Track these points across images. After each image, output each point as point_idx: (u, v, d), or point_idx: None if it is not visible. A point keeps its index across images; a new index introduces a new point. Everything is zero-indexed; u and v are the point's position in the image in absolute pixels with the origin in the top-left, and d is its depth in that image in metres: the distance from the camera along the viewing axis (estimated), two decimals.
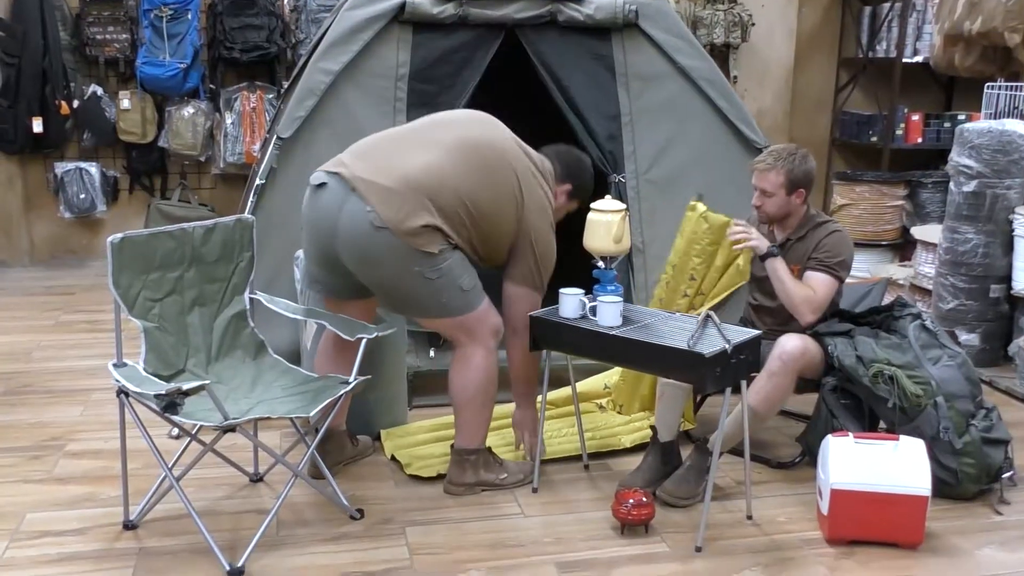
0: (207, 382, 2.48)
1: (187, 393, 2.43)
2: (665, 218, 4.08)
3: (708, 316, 2.88)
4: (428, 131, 3.04)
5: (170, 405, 2.44)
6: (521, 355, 3.14)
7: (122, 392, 2.71)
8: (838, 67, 7.16)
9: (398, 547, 2.81)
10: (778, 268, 3.15)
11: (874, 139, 6.65)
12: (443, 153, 2.91)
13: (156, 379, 2.66)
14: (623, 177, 4.15)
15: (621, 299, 2.99)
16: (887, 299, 3.75)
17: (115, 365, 2.75)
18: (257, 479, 3.23)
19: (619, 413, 3.73)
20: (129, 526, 2.89)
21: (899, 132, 6.53)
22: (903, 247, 5.94)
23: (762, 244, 3.16)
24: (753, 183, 3.25)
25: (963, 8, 4.75)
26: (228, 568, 2.63)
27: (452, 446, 3.15)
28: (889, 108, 6.53)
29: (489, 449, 3.18)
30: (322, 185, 2.91)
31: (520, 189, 2.98)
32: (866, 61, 6.84)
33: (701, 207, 3.43)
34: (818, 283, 3.14)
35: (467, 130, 3.04)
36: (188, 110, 6.28)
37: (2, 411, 3.84)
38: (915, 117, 6.56)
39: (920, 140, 6.57)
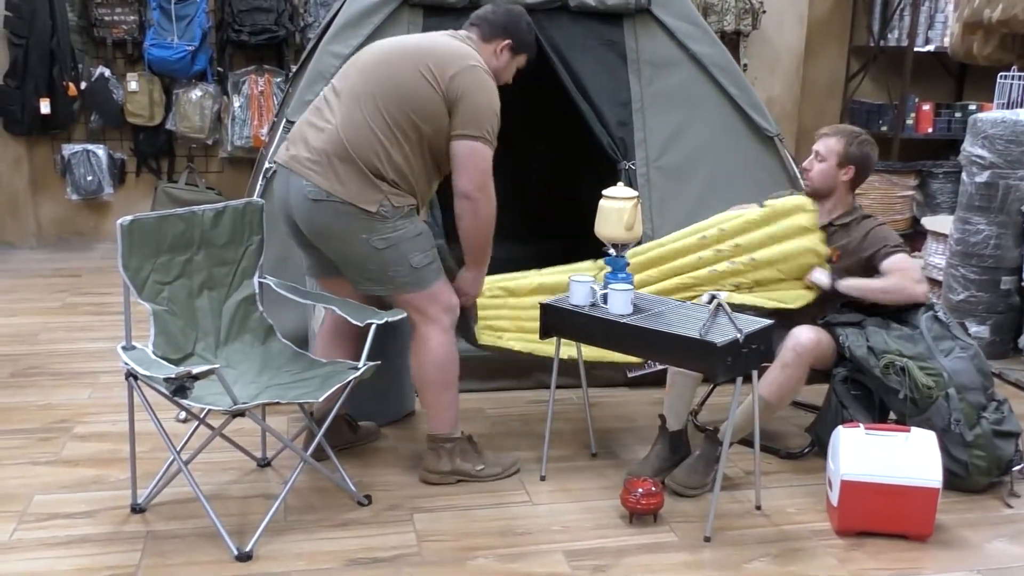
0: (217, 366, 2.47)
1: (197, 377, 2.42)
2: (675, 205, 4.06)
3: (719, 304, 2.86)
4: (339, 88, 2.94)
5: (180, 389, 2.43)
6: (472, 220, 2.90)
7: (131, 375, 2.70)
8: (849, 55, 7.11)
9: (406, 533, 2.80)
10: (851, 284, 3.15)
11: (884, 128, 6.61)
12: (349, 100, 2.85)
13: (165, 362, 2.65)
14: (633, 164, 4.12)
15: (632, 287, 2.97)
16: None
17: (124, 348, 2.74)
18: (265, 464, 3.22)
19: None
20: (137, 509, 2.89)
21: (909, 122, 6.49)
22: (913, 237, 5.91)
23: (823, 284, 3.17)
24: (813, 147, 3.30)
25: None
26: (236, 552, 2.63)
27: (427, 433, 3.11)
28: (900, 97, 6.49)
29: (469, 438, 3.13)
30: (273, 173, 3.03)
31: (431, 70, 2.81)
32: (877, 50, 6.80)
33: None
34: (899, 263, 3.17)
35: (364, 72, 2.90)
36: (196, 93, 6.26)
37: (10, 393, 3.84)
38: (926, 107, 6.53)
39: (931, 130, 6.54)
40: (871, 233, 3.22)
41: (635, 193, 2.99)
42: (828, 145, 3.24)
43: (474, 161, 2.83)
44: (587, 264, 3.61)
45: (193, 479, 2.68)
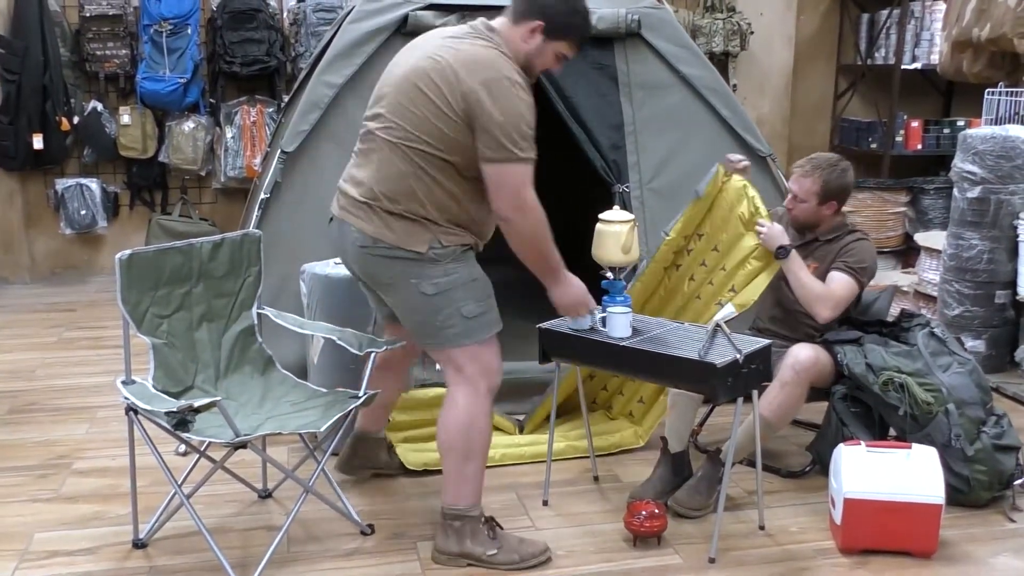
0: (218, 398, 2.47)
1: (199, 410, 2.42)
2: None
3: (718, 325, 2.87)
4: (371, 128, 2.73)
5: (181, 422, 2.43)
6: (516, 240, 2.66)
7: (131, 410, 2.69)
8: (837, 74, 7.17)
9: (410, 562, 2.79)
10: (793, 266, 3.15)
11: (874, 146, 6.66)
12: (377, 145, 2.67)
13: (165, 396, 2.65)
14: (627, 187, 4.14)
15: (630, 310, 2.98)
16: (895, 306, 3.74)
17: (124, 382, 2.74)
18: (266, 495, 3.21)
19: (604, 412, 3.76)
20: (139, 544, 2.88)
21: (899, 139, 6.53)
22: (906, 254, 5.95)
23: (772, 241, 3.15)
24: (788, 185, 3.28)
25: (971, 15, 4.76)
26: None
27: (441, 505, 2.80)
28: (888, 115, 6.54)
29: (488, 519, 2.79)
30: (332, 219, 2.86)
31: (443, 95, 2.55)
32: (865, 68, 6.86)
33: (737, 179, 3.30)
34: (839, 283, 3.16)
35: (388, 105, 2.67)
36: (188, 125, 6.28)
37: (8, 430, 3.82)
38: (915, 124, 6.57)
39: (920, 146, 6.58)
40: (845, 247, 3.22)
41: (631, 216, 3.01)
42: (805, 187, 3.23)
43: (504, 182, 2.56)
44: None
45: (195, 513, 2.67)
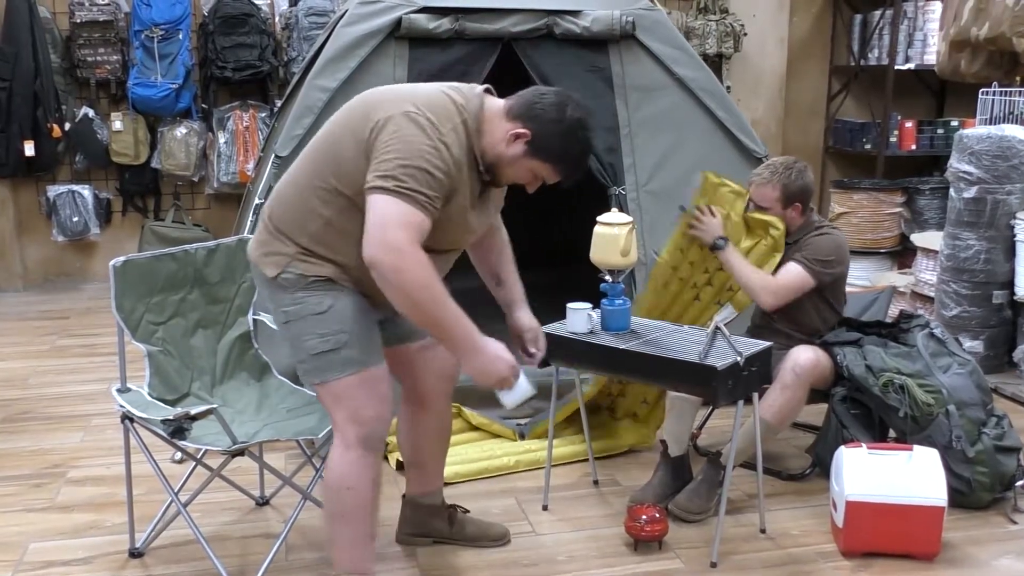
0: (215, 405, 2.45)
1: (195, 417, 2.40)
2: (667, 230, 4.03)
3: (717, 328, 2.86)
4: None
5: (178, 430, 2.40)
6: (391, 293, 2.19)
7: (126, 418, 2.66)
8: (830, 75, 7.17)
9: (409, 569, 2.77)
10: (729, 258, 3.16)
11: (868, 146, 6.65)
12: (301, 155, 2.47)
13: (161, 404, 2.62)
14: (623, 189, 4.13)
15: (629, 309, 2.97)
16: (893, 307, 3.73)
17: (119, 390, 2.71)
18: (263, 502, 3.19)
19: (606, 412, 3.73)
20: (135, 554, 2.85)
21: (893, 139, 6.53)
22: (902, 254, 5.94)
23: (709, 233, 3.16)
24: (751, 194, 3.25)
25: (970, 14, 4.75)
26: None
27: None
28: (882, 115, 6.54)
29: None
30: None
31: (365, 121, 2.24)
32: (858, 69, 6.85)
33: (712, 177, 3.34)
34: (785, 271, 3.15)
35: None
36: (181, 130, 6.25)
37: (2, 438, 3.79)
38: (908, 124, 6.57)
39: (914, 147, 6.58)
40: (805, 242, 3.20)
41: (630, 219, 2.99)
42: (765, 195, 3.20)
43: (378, 217, 2.14)
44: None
45: (192, 521, 2.64)
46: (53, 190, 6.23)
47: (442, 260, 2.41)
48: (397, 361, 2.58)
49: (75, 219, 6.22)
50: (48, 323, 5.53)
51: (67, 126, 6.14)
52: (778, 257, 3.23)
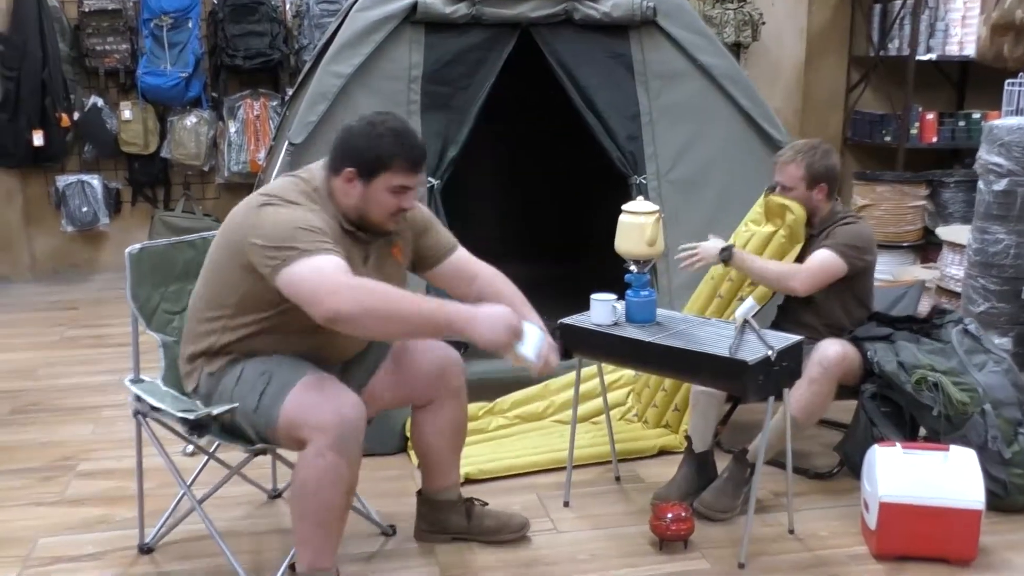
0: (236, 405, 2.36)
1: (217, 417, 2.33)
2: (689, 219, 3.97)
3: (746, 322, 2.78)
4: None
5: (198, 427, 2.33)
6: (374, 329, 2.25)
7: (139, 413, 2.59)
8: (849, 66, 7.05)
9: (429, 567, 2.69)
10: (745, 259, 3.09)
11: (887, 138, 6.54)
12: None
13: (176, 394, 2.55)
14: (644, 179, 4.04)
15: (655, 300, 2.90)
16: (923, 302, 3.62)
17: (133, 381, 2.65)
18: (275, 495, 3.11)
19: (642, 424, 3.62)
20: (145, 549, 2.77)
21: (913, 131, 6.42)
22: (925, 248, 5.83)
23: (710, 254, 3.10)
24: (775, 178, 3.18)
25: None
26: None
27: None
28: (902, 107, 6.43)
29: None
30: None
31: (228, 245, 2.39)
32: (877, 59, 6.74)
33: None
34: (814, 257, 3.06)
35: None
36: (191, 120, 6.17)
37: (11, 431, 3.72)
38: (929, 116, 6.46)
39: (935, 139, 6.47)
40: (832, 232, 3.11)
41: (656, 208, 2.91)
42: (791, 174, 3.13)
43: (302, 283, 2.18)
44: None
45: (206, 516, 2.57)
46: (62, 180, 6.15)
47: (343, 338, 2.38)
48: (386, 387, 2.60)
49: (84, 209, 6.15)
50: (57, 314, 5.46)
51: (76, 116, 6.06)
52: (797, 249, 3.14)
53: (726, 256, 3.07)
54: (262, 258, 2.23)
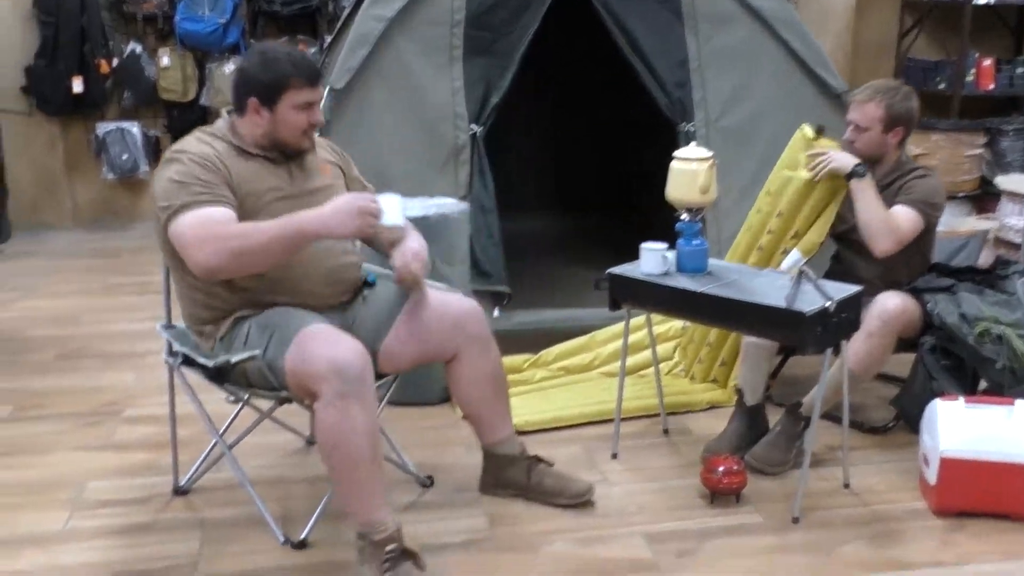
0: (256, 352, 2.34)
1: (236, 364, 2.34)
2: (738, 168, 3.87)
3: (802, 271, 2.69)
4: None
5: (218, 374, 2.33)
6: (249, 263, 2.31)
7: (171, 358, 2.60)
8: (902, 10, 6.80)
9: (476, 517, 2.66)
10: (865, 189, 2.94)
11: (942, 86, 6.33)
12: None
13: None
14: (692, 126, 3.93)
15: (707, 250, 2.82)
16: (984, 253, 3.50)
17: (164, 326, 2.64)
18: (313, 442, 3.10)
19: (689, 380, 3.56)
20: (180, 491, 2.79)
21: (969, 79, 6.21)
22: (982, 199, 5.66)
23: (844, 161, 2.95)
24: (848, 117, 3.05)
25: None
26: (283, 540, 2.52)
27: None
28: (958, 53, 6.21)
29: (380, 544, 2.25)
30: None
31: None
32: (931, 3, 6.51)
33: (808, 129, 3.12)
34: (901, 215, 2.94)
35: None
36: (229, 67, 6.11)
37: (57, 376, 3.74)
38: (987, 62, 6.24)
39: (992, 86, 6.25)
40: (907, 185, 3.00)
41: (710, 153, 2.81)
42: (867, 113, 2.99)
43: (177, 240, 2.30)
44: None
45: (238, 465, 2.61)
46: (102, 127, 6.14)
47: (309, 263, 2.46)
48: (402, 344, 2.56)
49: (124, 157, 6.14)
50: (99, 261, 5.48)
51: (115, 62, 6.03)
52: (841, 195, 3.03)
53: (860, 171, 2.93)
54: (159, 219, 2.36)
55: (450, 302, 2.62)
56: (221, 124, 2.52)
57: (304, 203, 2.38)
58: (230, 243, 2.25)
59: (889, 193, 3.00)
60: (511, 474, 2.71)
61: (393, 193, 2.44)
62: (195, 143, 2.44)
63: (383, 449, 2.32)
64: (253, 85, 2.42)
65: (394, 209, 2.36)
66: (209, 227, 2.26)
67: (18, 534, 2.58)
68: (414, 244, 2.56)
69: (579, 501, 2.69)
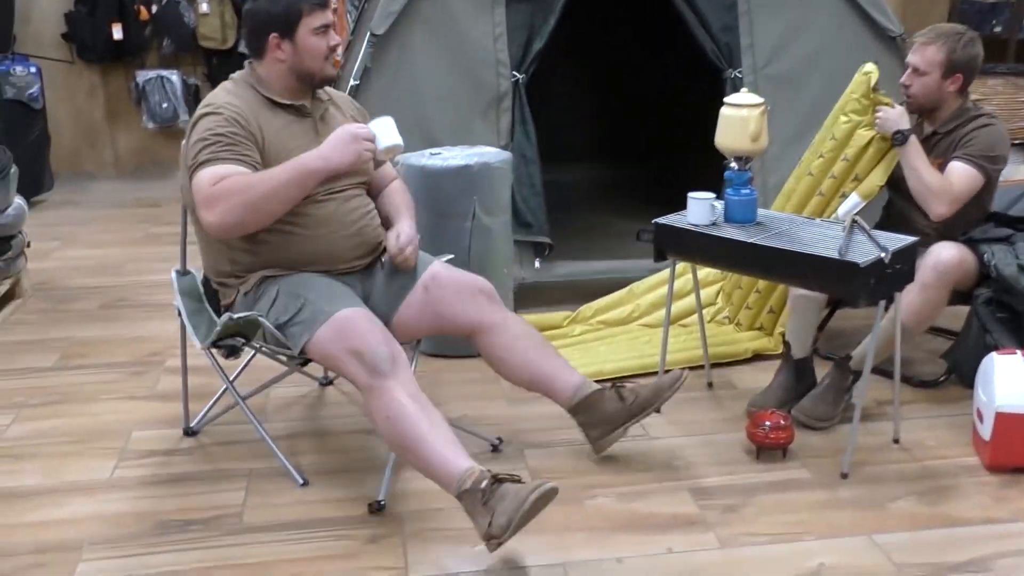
0: (259, 316, 2.39)
1: (238, 321, 2.37)
2: (786, 117, 3.76)
3: (855, 221, 2.61)
4: None
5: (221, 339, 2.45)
6: (252, 221, 2.37)
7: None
8: None
9: (518, 470, 2.61)
10: (910, 153, 2.88)
11: (997, 29, 6.12)
12: None
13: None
14: (739, 72, 3.83)
15: (756, 199, 2.75)
16: None
17: (179, 273, 2.75)
18: (327, 383, 3.18)
19: (735, 326, 3.50)
20: (189, 432, 2.85)
21: None
22: None
23: (886, 127, 2.89)
24: (907, 59, 2.95)
25: None
26: (301, 481, 2.56)
27: None
28: None
29: (473, 488, 2.12)
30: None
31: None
32: None
33: (872, 69, 3.02)
34: (957, 173, 2.86)
35: None
36: None
37: (101, 325, 3.78)
38: None
39: None
40: (967, 135, 2.91)
41: (761, 100, 2.73)
42: (927, 56, 2.89)
43: (194, 195, 2.36)
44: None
45: (254, 417, 2.65)
46: (142, 75, 6.14)
47: (339, 200, 2.51)
48: (416, 315, 2.56)
49: (164, 105, 6.14)
50: (141, 211, 5.51)
51: (154, 9, 6.00)
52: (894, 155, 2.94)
53: (899, 140, 2.88)
54: (183, 178, 2.44)
55: (463, 278, 2.62)
56: (245, 73, 2.53)
57: None
58: (238, 198, 2.29)
59: (949, 142, 2.91)
60: (608, 409, 2.55)
61: (385, 116, 2.46)
62: (224, 95, 2.46)
63: (437, 413, 2.27)
64: (269, 21, 2.44)
65: (388, 130, 2.41)
66: (221, 185, 2.30)
67: (66, 482, 2.61)
68: (408, 229, 2.59)
69: (679, 388, 2.56)
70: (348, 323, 2.31)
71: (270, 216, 2.36)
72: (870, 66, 3.02)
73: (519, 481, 2.14)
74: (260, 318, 2.38)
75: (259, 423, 2.67)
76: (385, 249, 2.62)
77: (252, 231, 2.39)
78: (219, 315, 2.57)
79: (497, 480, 2.12)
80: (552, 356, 2.63)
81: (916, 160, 2.88)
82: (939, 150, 2.97)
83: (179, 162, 2.52)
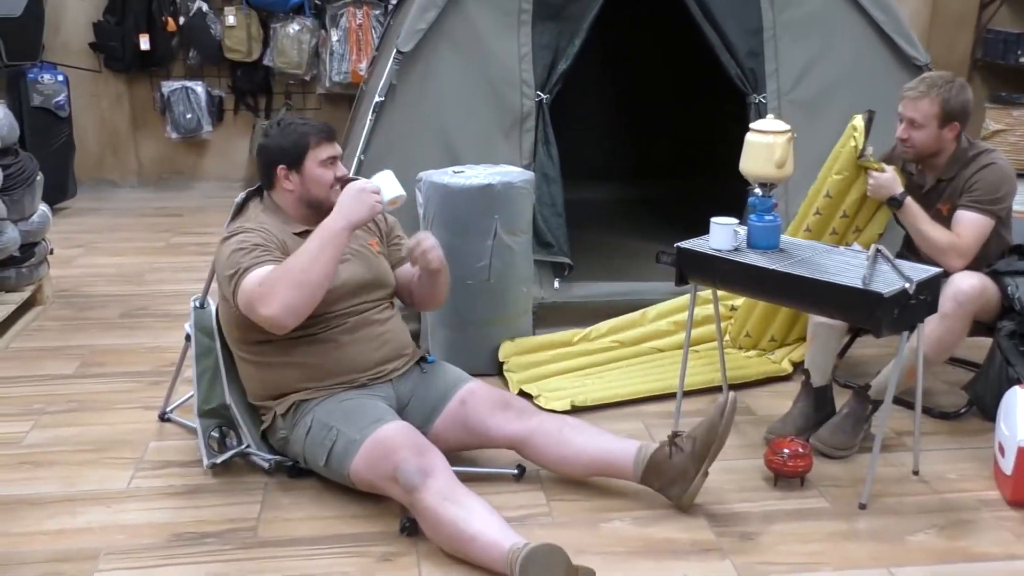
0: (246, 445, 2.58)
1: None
2: (810, 143, 3.71)
3: (879, 250, 2.60)
4: None
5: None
6: (300, 304, 2.41)
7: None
8: None
9: (534, 492, 2.63)
10: (909, 215, 2.92)
11: (1023, 60, 6.10)
12: None
13: None
14: (764, 98, 3.83)
15: (780, 225, 2.75)
16: None
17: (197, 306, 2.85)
18: None
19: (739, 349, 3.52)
20: (163, 417, 3.00)
21: None
22: None
23: (879, 194, 2.97)
24: (900, 112, 2.95)
25: None
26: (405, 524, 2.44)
27: None
28: None
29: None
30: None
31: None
32: None
33: (859, 122, 3.05)
34: (966, 224, 2.87)
35: None
36: (293, 27, 6.10)
37: (121, 334, 3.79)
38: None
39: None
40: (970, 179, 2.91)
41: (788, 127, 2.72)
42: (922, 109, 2.88)
43: (244, 306, 2.44)
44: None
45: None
46: (167, 86, 6.17)
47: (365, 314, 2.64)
48: (455, 430, 2.63)
49: (188, 116, 6.17)
50: (163, 220, 5.54)
51: (181, 20, 6.04)
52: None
53: (895, 205, 2.94)
54: (225, 290, 2.51)
55: (494, 393, 2.68)
56: (259, 207, 2.66)
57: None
58: (284, 281, 2.37)
59: (954, 188, 2.93)
60: (676, 464, 2.47)
61: (385, 170, 2.56)
62: (248, 221, 2.60)
63: (475, 501, 2.27)
64: (278, 153, 2.58)
65: (390, 183, 2.52)
66: (267, 280, 2.39)
67: (83, 491, 2.62)
68: (431, 237, 2.69)
69: (733, 408, 2.46)
70: (377, 448, 2.37)
71: (319, 288, 2.41)
72: (858, 121, 3.04)
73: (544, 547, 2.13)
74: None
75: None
76: (423, 357, 2.73)
77: (310, 310, 2.43)
78: (257, 426, 2.73)
79: (527, 549, 2.12)
80: (597, 434, 2.61)
81: (918, 221, 2.91)
82: (946, 196, 2.98)
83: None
